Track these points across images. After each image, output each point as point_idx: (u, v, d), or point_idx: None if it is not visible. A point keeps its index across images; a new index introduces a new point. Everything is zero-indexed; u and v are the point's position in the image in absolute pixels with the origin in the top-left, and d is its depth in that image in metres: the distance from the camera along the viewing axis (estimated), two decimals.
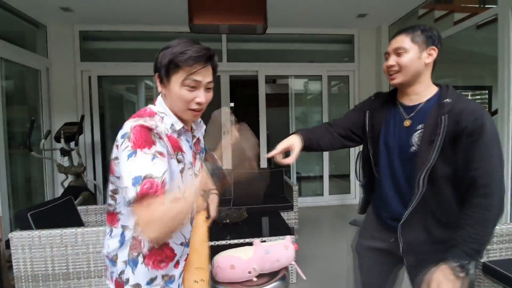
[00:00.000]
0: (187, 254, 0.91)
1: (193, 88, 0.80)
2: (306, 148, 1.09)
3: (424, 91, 0.98)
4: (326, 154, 4.45)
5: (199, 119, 0.97)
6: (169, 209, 0.68)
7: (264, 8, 2.28)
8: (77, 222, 2.25)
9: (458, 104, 0.90)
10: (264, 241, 1.23)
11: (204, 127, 0.99)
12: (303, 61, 4.41)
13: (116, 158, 0.75)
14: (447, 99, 0.92)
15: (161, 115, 0.83)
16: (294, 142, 1.06)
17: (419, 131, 0.94)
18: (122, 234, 0.84)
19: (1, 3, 2.98)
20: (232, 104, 7.50)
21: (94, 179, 3.92)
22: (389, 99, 1.08)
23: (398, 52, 0.96)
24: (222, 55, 4.12)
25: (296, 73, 4.43)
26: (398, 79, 0.98)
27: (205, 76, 0.81)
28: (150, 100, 4.62)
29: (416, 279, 0.97)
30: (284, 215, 2.99)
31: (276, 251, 1.16)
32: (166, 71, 0.79)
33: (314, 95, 4.73)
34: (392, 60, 0.98)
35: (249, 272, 1.12)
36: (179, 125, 0.84)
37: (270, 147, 4.47)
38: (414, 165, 0.94)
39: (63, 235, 1.79)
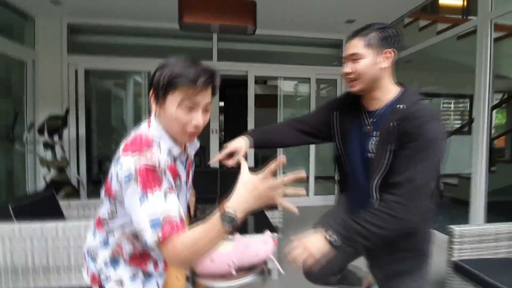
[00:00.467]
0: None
1: (190, 109, 0.74)
2: (259, 146, 1.10)
3: (384, 96, 0.95)
4: (312, 156, 4.52)
5: (196, 140, 0.92)
6: (188, 240, 0.67)
7: (254, 10, 2.32)
8: (59, 216, 2.22)
9: (409, 109, 0.87)
10: (244, 236, 1.26)
11: (198, 144, 0.95)
12: (293, 63, 4.47)
13: (118, 184, 0.73)
14: (401, 105, 0.89)
15: (157, 140, 0.76)
16: (238, 145, 1.06)
17: (375, 137, 0.93)
18: (106, 239, 0.86)
19: None
20: (222, 104, 7.52)
21: (78, 174, 3.85)
22: (357, 101, 1.05)
23: (353, 59, 0.92)
24: (212, 54, 4.14)
25: (285, 74, 4.49)
26: (357, 86, 0.95)
27: (204, 97, 0.76)
28: (139, 96, 4.58)
29: (384, 282, 1.01)
30: (269, 214, 3.04)
31: (255, 245, 1.19)
32: (163, 90, 0.74)
33: (303, 97, 4.80)
34: (348, 67, 0.94)
35: (229, 265, 1.15)
36: (176, 151, 0.80)
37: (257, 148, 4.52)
38: (371, 171, 0.93)
39: (43, 228, 1.77)
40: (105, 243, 0.86)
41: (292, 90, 5.03)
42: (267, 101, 5.34)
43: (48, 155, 3.15)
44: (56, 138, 3.10)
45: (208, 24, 2.50)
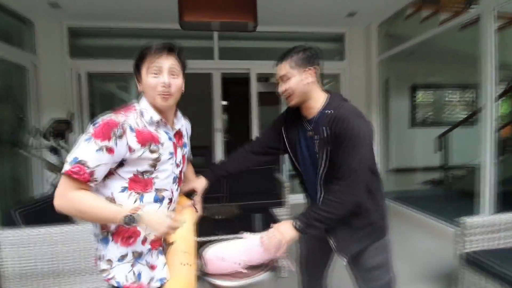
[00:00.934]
0: (154, 235, 0.92)
1: (156, 74, 0.91)
2: (217, 180, 1.30)
3: (316, 104, 1.11)
4: None
5: (179, 114, 1.07)
6: (78, 201, 0.83)
7: (254, 5, 2.30)
8: (66, 219, 2.23)
9: (335, 113, 1.04)
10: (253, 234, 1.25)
11: (184, 120, 1.09)
12: None
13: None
14: (328, 110, 1.07)
15: (142, 110, 0.94)
16: (196, 185, 1.23)
17: (316, 141, 1.09)
18: None
19: None
20: (224, 103, 7.51)
21: None
22: (298, 112, 1.19)
23: (284, 79, 1.10)
24: (213, 53, 4.12)
25: None
26: (293, 101, 1.12)
27: (166, 60, 0.92)
28: None
29: (351, 263, 1.19)
30: (276, 211, 3.03)
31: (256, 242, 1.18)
32: (136, 65, 0.94)
33: None
34: (282, 87, 1.11)
35: (239, 264, 1.14)
36: (156, 117, 0.94)
37: None
38: (315, 172, 1.11)
39: (52, 233, 1.78)
40: (95, 223, 0.95)
41: None
42: (270, 98, 5.31)
43: (54, 159, 3.16)
44: (61, 142, 3.11)
45: (208, 22, 2.48)
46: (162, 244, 1.01)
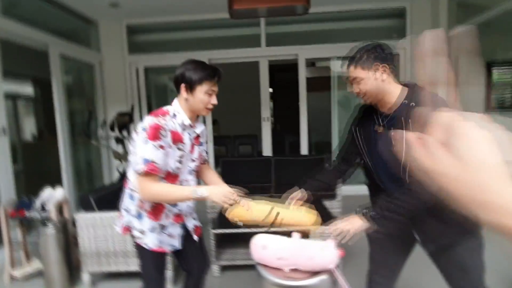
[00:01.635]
0: (177, 213, 1.30)
1: (210, 94, 1.19)
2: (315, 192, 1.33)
3: (393, 99, 1.09)
4: None
5: (200, 121, 1.33)
6: (161, 191, 1.16)
7: None
8: None
9: (417, 106, 0.97)
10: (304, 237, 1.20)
11: (203, 126, 1.32)
12: (347, 41, 4.12)
13: (133, 140, 1.15)
14: (411, 103, 1.04)
15: (175, 112, 1.20)
16: (297, 195, 1.32)
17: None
18: (131, 195, 1.24)
19: (56, 2, 3.22)
20: (271, 90, 7.43)
21: None
22: (371, 107, 1.17)
23: (356, 81, 1.09)
24: (260, 40, 4.04)
25: (339, 54, 4.16)
26: (368, 100, 1.11)
27: (216, 87, 1.22)
28: None
29: (436, 254, 1.16)
30: (327, 203, 2.91)
31: (311, 248, 1.11)
32: (195, 84, 1.16)
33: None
34: (355, 88, 1.10)
35: (279, 259, 1.10)
36: (188, 122, 1.21)
37: (310, 133, 4.34)
38: (399, 167, 1.04)
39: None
40: (132, 200, 1.23)
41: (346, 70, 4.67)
42: (318, 84, 5.07)
43: (120, 148, 3.48)
44: (125, 133, 3.39)
45: (256, 8, 2.40)
46: (183, 219, 1.32)
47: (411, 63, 3.96)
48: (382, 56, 1.06)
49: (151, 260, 1.30)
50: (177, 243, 1.32)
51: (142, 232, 1.24)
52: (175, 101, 1.22)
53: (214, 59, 4.11)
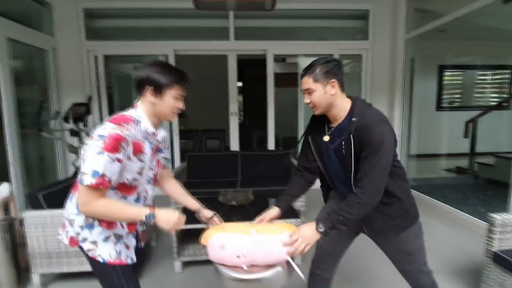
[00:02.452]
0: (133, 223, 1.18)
1: (178, 99, 1.11)
2: (287, 209, 1.37)
3: (340, 113, 1.18)
4: None
5: (162, 126, 1.21)
6: (104, 208, 1.00)
7: None
8: None
9: (360, 122, 1.11)
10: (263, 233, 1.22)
11: (165, 132, 1.22)
12: (314, 39, 4.22)
13: (87, 144, 1.00)
14: (354, 118, 1.12)
15: (139, 119, 1.08)
16: (272, 214, 1.33)
17: (343, 147, 1.16)
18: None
19: None
20: (240, 84, 7.39)
21: None
22: (323, 119, 1.26)
23: (308, 92, 1.16)
24: (229, 33, 3.98)
25: (306, 52, 4.26)
26: (317, 111, 1.20)
27: (185, 92, 1.14)
28: None
29: (384, 243, 1.30)
30: None
31: (270, 244, 1.14)
32: (164, 88, 1.07)
33: None
34: (307, 99, 1.18)
35: (238, 257, 1.12)
36: (151, 129, 1.10)
37: (277, 128, 4.40)
38: (347, 175, 1.19)
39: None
40: (79, 210, 1.05)
41: None
42: (287, 79, 5.15)
43: (75, 141, 3.26)
44: (81, 125, 3.18)
45: (224, 1, 2.36)
46: (136, 229, 1.21)
47: (372, 64, 4.17)
48: (333, 71, 1.13)
49: (114, 275, 1.11)
50: (134, 256, 1.18)
51: (94, 243, 1.08)
52: (139, 105, 1.10)
53: (181, 50, 3.98)
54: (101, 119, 4.00)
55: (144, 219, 1.02)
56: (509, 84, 5.73)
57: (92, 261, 1.11)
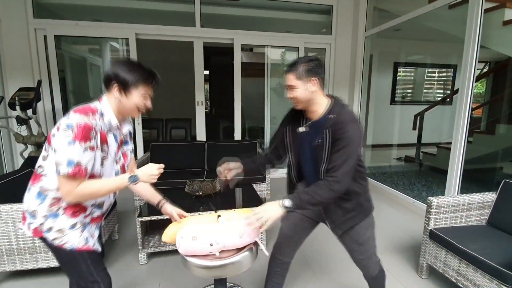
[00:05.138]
0: (98, 215, 1.20)
1: (145, 98, 1.13)
2: (249, 169, 1.50)
3: (319, 109, 1.28)
4: None
5: (127, 120, 1.23)
6: (89, 189, 1.02)
7: None
8: None
9: (337, 117, 1.22)
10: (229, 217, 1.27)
11: (130, 126, 1.25)
12: (281, 31, 4.28)
13: (54, 135, 1.00)
14: (331, 115, 1.23)
15: (103, 111, 1.09)
16: (236, 165, 1.45)
17: (318, 140, 1.26)
18: (40, 194, 1.07)
19: None
20: (206, 72, 7.23)
21: None
22: (301, 113, 1.35)
23: (290, 88, 1.24)
24: (195, 20, 3.87)
25: (273, 43, 4.30)
26: (299, 106, 1.28)
27: (152, 91, 1.16)
28: None
29: (339, 233, 1.39)
30: (257, 186, 3.09)
31: (239, 227, 1.21)
32: (131, 87, 1.08)
33: None
34: (289, 94, 1.26)
35: (211, 245, 1.16)
36: (115, 122, 1.12)
37: (244, 119, 4.43)
38: (317, 166, 1.28)
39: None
40: (42, 200, 1.06)
41: (279, 58, 4.86)
42: (254, 69, 5.16)
43: (23, 130, 2.98)
44: (29, 112, 2.91)
45: None
46: (101, 221, 1.23)
47: (335, 58, 4.36)
48: (315, 70, 1.21)
49: (82, 262, 1.11)
50: (98, 246, 1.18)
51: (60, 231, 1.07)
52: (104, 99, 1.11)
53: (142, 34, 3.78)
54: (53, 106, 3.68)
55: (129, 182, 1.06)
56: (452, 82, 6.39)
57: (58, 250, 1.09)
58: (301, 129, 1.33)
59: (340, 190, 1.19)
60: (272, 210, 1.17)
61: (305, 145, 1.32)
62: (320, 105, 1.27)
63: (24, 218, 1.12)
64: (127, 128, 1.22)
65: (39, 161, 1.08)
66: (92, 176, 1.06)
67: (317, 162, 1.27)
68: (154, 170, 1.09)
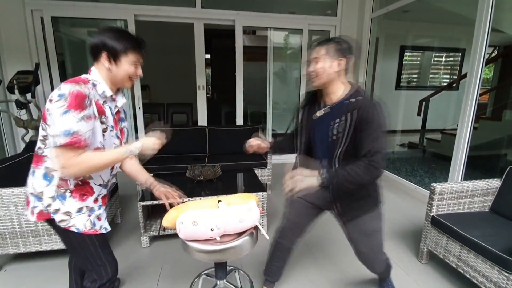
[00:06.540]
0: (104, 194, 1.19)
1: (136, 66, 1.11)
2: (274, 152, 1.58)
3: (336, 91, 1.25)
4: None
5: (121, 93, 1.20)
6: (90, 159, 0.98)
7: None
8: None
9: (361, 102, 1.18)
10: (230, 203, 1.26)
11: (125, 99, 1.21)
12: (284, 12, 4.13)
13: (48, 109, 0.95)
14: (353, 98, 1.20)
15: (95, 82, 1.06)
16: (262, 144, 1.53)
17: (336, 124, 1.23)
18: (46, 175, 1.04)
19: None
20: (208, 56, 7.08)
21: None
22: (315, 98, 1.35)
23: (315, 61, 1.22)
24: (195, 0, 3.74)
25: (276, 25, 4.17)
26: (316, 82, 1.24)
27: (142, 59, 1.13)
28: None
29: (348, 224, 1.38)
30: (258, 172, 3.08)
31: (239, 211, 1.20)
32: (120, 54, 1.05)
33: (294, 49, 4.55)
34: (311, 67, 1.23)
35: (212, 230, 1.16)
36: (109, 93, 1.09)
37: (246, 104, 4.37)
38: (332, 149, 1.25)
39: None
40: (49, 181, 1.04)
41: (282, 41, 4.72)
42: (257, 53, 5.03)
43: (23, 114, 2.96)
44: (28, 96, 2.87)
45: None
46: (106, 203, 1.21)
47: None
48: (345, 52, 1.20)
49: (90, 244, 1.10)
50: (107, 225, 1.18)
51: (67, 213, 1.05)
52: (94, 70, 1.07)
53: (142, 15, 3.67)
54: (53, 90, 3.63)
55: (130, 154, 1.05)
56: (459, 67, 6.22)
57: (65, 232, 1.08)
58: (319, 113, 1.30)
59: (376, 174, 1.15)
60: (309, 179, 1.16)
61: (322, 128, 1.29)
62: (339, 88, 1.24)
63: (28, 203, 1.09)
64: (121, 101, 1.19)
65: (38, 143, 1.05)
66: (96, 149, 1.04)
67: (334, 145, 1.24)
68: (156, 141, 1.09)
